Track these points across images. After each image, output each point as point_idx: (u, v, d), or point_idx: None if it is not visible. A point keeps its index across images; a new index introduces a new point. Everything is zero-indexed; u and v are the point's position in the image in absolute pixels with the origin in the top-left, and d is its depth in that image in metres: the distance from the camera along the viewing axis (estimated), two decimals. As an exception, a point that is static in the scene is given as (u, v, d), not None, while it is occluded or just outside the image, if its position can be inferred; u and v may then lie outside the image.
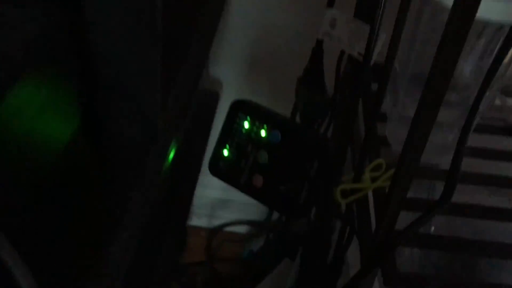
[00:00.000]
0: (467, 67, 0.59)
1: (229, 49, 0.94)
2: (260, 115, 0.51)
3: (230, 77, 0.98)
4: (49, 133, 0.44)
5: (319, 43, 0.66)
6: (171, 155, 0.58)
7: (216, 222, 1.23)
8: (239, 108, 0.52)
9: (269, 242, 1.08)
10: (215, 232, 1.22)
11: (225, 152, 0.52)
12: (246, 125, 0.51)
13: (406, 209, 0.49)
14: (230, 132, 0.52)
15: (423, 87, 0.62)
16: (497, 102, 0.72)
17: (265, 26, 0.91)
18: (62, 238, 0.41)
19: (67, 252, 0.41)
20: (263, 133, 0.51)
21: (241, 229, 1.24)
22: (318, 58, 0.66)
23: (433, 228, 0.62)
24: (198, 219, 1.24)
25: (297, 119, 0.72)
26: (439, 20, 0.59)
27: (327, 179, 0.50)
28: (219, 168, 0.53)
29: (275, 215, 1.06)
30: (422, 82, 0.62)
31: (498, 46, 0.42)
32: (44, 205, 0.43)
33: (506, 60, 0.53)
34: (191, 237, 1.16)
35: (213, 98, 0.92)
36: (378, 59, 0.62)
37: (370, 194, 0.55)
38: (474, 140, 0.63)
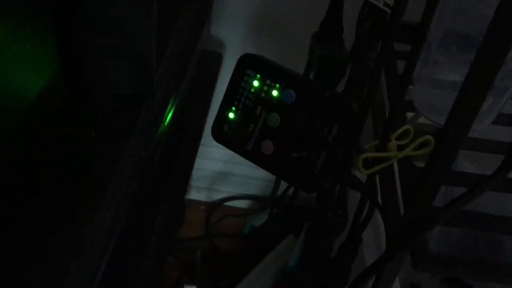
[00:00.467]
0: None
1: (232, 5, 0.86)
2: (272, 72, 0.44)
3: (234, 36, 0.90)
4: (20, 79, 0.37)
5: (340, -8, 0.58)
6: (168, 116, 0.51)
7: (217, 196, 1.17)
8: (248, 64, 0.45)
9: (273, 217, 1.02)
10: (215, 206, 1.17)
11: (231, 115, 0.45)
12: (256, 83, 0.44)
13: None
14: (237, 91, 0.45)
15: (461, 44, 0.53)
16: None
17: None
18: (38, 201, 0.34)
19: (48, 212, 0.34)
20: (274, 92, 0.44)
21: (242, 203, 1.18)
22: (337, 8, 0.58)
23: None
24: (197, 193, 1.17)
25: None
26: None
27: (347, 146, 0.43)
28: (223, 133, 0.46)
29: (281, 189, 1.00)
30: (460, 38, 0.55)
31: None
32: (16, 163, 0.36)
33: None
34: (190, 211, 1.09)
35: (216, 60, 0.84)
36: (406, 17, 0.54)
37: (395, 165, 0.48)
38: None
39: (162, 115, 0.47)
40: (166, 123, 0.51)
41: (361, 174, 0.45)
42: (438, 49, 0.56)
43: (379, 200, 0.46)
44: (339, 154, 0.43)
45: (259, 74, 0.44)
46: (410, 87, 0.58)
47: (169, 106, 0.50)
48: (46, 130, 0.39)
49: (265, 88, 0.44)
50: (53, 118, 0.39)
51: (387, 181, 0.46)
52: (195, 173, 1.11)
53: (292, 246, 0.91)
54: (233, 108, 0.45)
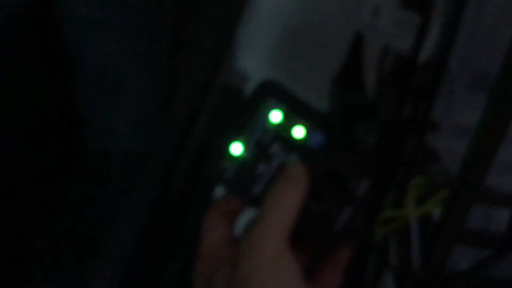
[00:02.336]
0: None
1: (256, 40, 0.85)
2: (299, 107, 0.37)
3: (256, 72, 0.89)
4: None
5: (359, 36, 0.56)
6: (178, 163, 0.49)
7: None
8: (270, 92, 0.37)
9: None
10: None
11: (236, 150, 0.37)
12: (277, 117, 0.37)
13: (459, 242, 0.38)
14: (248, 123, 0.37)
15: (485, 90, 0.50)
16: None
17: (297, 13, 0.81)
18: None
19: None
20: (299, 132, 0.37)
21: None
22: (357, 54, 0.56)
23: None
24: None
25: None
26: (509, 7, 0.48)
27: (373, 204, 0.38)
28: (222, 171, 0.37)
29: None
30: (485, 84, 0.51)
31: None
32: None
33: None
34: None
35: (236, 95, 0.82)
36: (430, 57, 0.51)
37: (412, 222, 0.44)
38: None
39: (168, 171, 0.45)
40: (174, 178, 0.49)
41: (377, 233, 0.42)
42: (464, 93, 0.53)
43: (394, 259, 0.42)
44: (363, 213, 0.38)
45: (284, 107, 0.37)
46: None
47: (177, 159, 0.48)
48: (41, 186, 0.38)
49: (288, 125, 0.37)
50: (48, 174, 0.39)
51: (403, 240, 0.43)
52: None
53: None
54: (240, 142, 0.37)
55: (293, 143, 0.36)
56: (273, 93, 0.37)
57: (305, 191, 0.33)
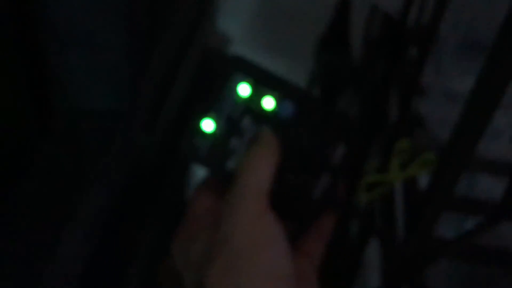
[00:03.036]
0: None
1: (239, 1, 0.82)
2: (267, 79, 0.36)
3: (239, 34, 0.86)
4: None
5: (346, -5, 0.54)
6: (154, 132, 0.47)
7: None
8: (237, 66, 0.37)
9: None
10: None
11: (207, 126, 0.37)
12: (245, 90, 0.37)
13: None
14: (217, 98, 0.37)
15: (475, 55, 0.48)
16: None
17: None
18: None
19: None
20: (269, 103, 0.36)
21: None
22: (344, 14, 0.54)
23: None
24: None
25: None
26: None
27: (351, 170, 0.37)
28: (195, 148, 0.37)
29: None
30: (475, 49, 0.50)
31: None
32: None
33: None
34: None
35: (217, 57, 0.79)
36: (420, 19, 0.49)
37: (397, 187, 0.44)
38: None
39: (145, 132, 0.43)
40: (150, 140, 0.46)
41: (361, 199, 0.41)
42: (452, 58, 0.51)
43: (378, 226, 0.42)
44: (344, 180, 0.37)
45: (251, 80, 0.37)
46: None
47: (154, 121, 0.45)
48: (6, 149, 0.36)
49: (257, 97, 0.37)
50: (14, 136, 0.36)
51: (388, 205, 0.42)
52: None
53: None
54: (211, 119, 0.37)
55: (263, 115, 0.36)
56: (239, 67, 0.36)
57: (277, 155, 0.32)
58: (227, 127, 0.36)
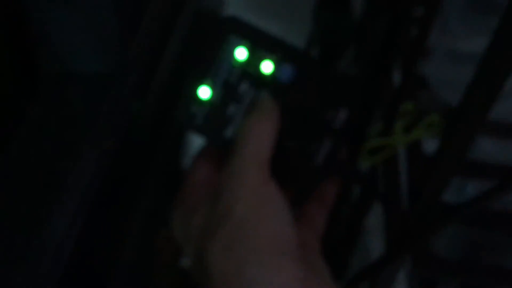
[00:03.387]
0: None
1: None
2: (265, 42, 0.35)
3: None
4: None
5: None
6: (147, 97, 0.45)
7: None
8: (232, 29, 0.35)
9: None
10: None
11: (204, 93, 0.35)
12: (242, 54, 0.35)
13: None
14: (213, 63, 0.35)
15: (483, 14, 0.46)
16: None
17: None
18: None
19: None
20: (268, 67, 0.35)
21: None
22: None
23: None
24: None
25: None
26: None
27: (354, 135, 0.36)
28: (192, 116, 0.36)
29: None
30: (484, 3, 0.48)
31: None
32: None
33: None
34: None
35: (211, 19, 0.77)
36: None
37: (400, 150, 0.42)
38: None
39: (137, 96, 0.41)
40: (143, 105, 0.44)
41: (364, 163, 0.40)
42: (458, 16, 0.49)
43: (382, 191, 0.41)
44: (346, 145, 0.35)
45: (248, 43, 0.35)
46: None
47: (147, 85, 0.43)
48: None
49: (254, 61, 0.35)
50: None
51: (391, 169, 0.41)
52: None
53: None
54: (207, 85, 0.36)
55: (262, 80, 0.35)
56: (235, 30, 0.35)
57: (277, 121, 0.31)
58: (224, 93, 0.35)
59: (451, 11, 0.49)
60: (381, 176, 0.41)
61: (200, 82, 0.35)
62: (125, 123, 0.39)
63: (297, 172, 0.35)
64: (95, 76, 0.37)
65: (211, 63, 0.35)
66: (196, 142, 0.43)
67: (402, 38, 0.52)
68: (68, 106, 0.35)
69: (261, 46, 0.35)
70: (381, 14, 0.52)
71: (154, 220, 0.51)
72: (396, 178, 0.40)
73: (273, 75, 0.35)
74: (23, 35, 0.35)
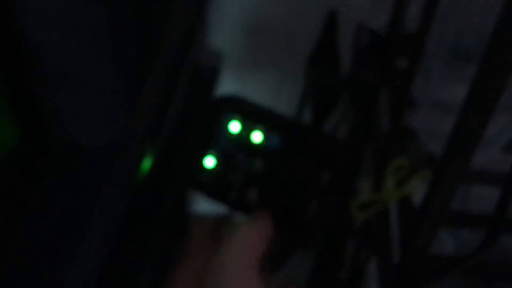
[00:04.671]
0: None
1: (228, 17, 0.82)
2: (253, 114, 0.40)
3: (231, 49, 0.87)
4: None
5: (332, 13, 0.54)
6: (147, 162, 0.47)
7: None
8: (225, 106, 0.41)
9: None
10: (224, 220, 1.12)
11: (208, 163, 0.41)
12: (235, 127, 0.41)
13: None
14: (213, 137, 0.41)
15: (464, 64, 0.49)
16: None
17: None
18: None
19: None
20: (257, 137, 0.40)
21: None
22: (331, 31, 0.55)
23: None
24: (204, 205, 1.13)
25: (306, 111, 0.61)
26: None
27: (341, 194, 0.39)
28: (201, 183, 0.41)
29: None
30: (462, 58, 0.50)
31: None
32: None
33: None
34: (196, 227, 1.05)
35: (211, 75, 0.80)
36: (406, 31, 0.50)
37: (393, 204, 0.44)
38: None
39: (139, 164, 0.43)
40: (145, 170, 0.47)
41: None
42: (442, 67, 0.52)
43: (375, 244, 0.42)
44: (332, 203, 0.39)
45: (239, 116, 0.40)
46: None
47: (147, 151, 0.46)
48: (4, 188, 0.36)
49: (246, 132, 0.40)
50: (12, 174, 0.36)
51: (383, 224, 0.42)
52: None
53: (302, 260, 0.86)
54: (212, 155, 0.41)
55: (254, 149, 0.39)
56: (228, 105, 0.40)
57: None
58: (225, 161, 0.40)
59: (434, 61, 0.51)
60: (375, 230, 0.42)
61: (206, 152, 0.40)
62: (130, 191, 0.41)
63: (289, 228, 0.39)
64: (101, 148, 0.39)
65: (213, 136, 0.40)
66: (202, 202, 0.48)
67: (388, 91, 0.54)
68: (77, 177, 0.37)
69: (250, 118, 0.40)
70: (366, 69, 0.55)
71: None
72: (388, 231, 0.41)
73: (263, 143, 0.39)
74: (36, 114, 0.37)
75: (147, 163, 0.43)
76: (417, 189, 0.42)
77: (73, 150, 0.38)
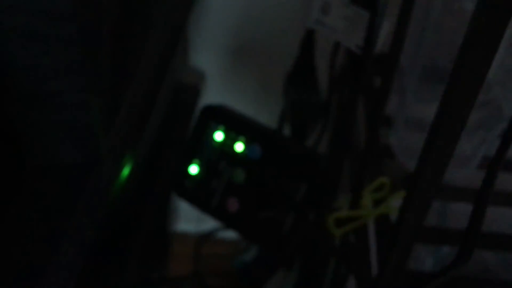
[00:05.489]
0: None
1: (209, 37, 0.83)
2: (236, 125, 0.42)
3: (213, 69, 0.87)
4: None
5: (309, 33, 0.55)
6: (123, 180, 0.47)
7: (207, 227, 1.12)
8: (210, 116, 0.42)
9: (263, 250, 0.97)
10: (204, 238, 1.11)
11: (193, 169, 0.43)
12: (219, 136, 0.42)
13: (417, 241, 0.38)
14: (198, 145, 0.42)
15: (436, 82, 0.50)
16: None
17: (249, 8, 0.80)
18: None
19: None
20: (239, 147, 0.41)
21: (234, 235, 1.13)
22: (308, 51, 0.56)
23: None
24: (186, 224, 1.13)
25: (285, 125, 0.61)
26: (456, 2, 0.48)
27: (317, 207, 0.40)
28: (185, 188, 0.43)
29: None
30: (436, 76, 0.52)
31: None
32: None
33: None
34: (177, 245, 1.05)
35: (192, 94, 0.80)
36: (381, 50, 0.51)
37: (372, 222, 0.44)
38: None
39: (113, 182, 0.43)
40: (120, 187, 0.47)
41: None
42: (416, 85, 0.53)
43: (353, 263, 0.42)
44: (308, 215, 0.39)
45: (223, 126, 0.41)
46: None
47: (124, 169, 0.46)
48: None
49: (229, 141, 0.41)
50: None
51: (362, 241, 0.42)
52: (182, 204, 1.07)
53: (285, 280, 0.86)
54: (196, 162, 0.42)
55: (236, 157, 0.41)
56: (213, 116, 0.42)
57: None
58: (208, 169, 0.41)
59: (407, 83, 0.52)
60: (352, 247, 0.42)
61: (190, 160, 0.42)
62: (102, 211, 0.41)
63: (267, 239, 0.40)
64: (74, 167, 0.39)
65: (198, 145, 0.41)
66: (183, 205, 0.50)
67: (364, 110, 0.55)
68: (49, 197, 0.37)
69: (233, 128, 0.41)
70: (342, 88, 0.55)
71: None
72: (366, 247, 0.41)
73: (244, 153, 0.40)
74: (10, 133, 0.37)
75: (124, 178, 0.43)
76: (396, 208, 0.42)
77: (48, 169, 0.38)
